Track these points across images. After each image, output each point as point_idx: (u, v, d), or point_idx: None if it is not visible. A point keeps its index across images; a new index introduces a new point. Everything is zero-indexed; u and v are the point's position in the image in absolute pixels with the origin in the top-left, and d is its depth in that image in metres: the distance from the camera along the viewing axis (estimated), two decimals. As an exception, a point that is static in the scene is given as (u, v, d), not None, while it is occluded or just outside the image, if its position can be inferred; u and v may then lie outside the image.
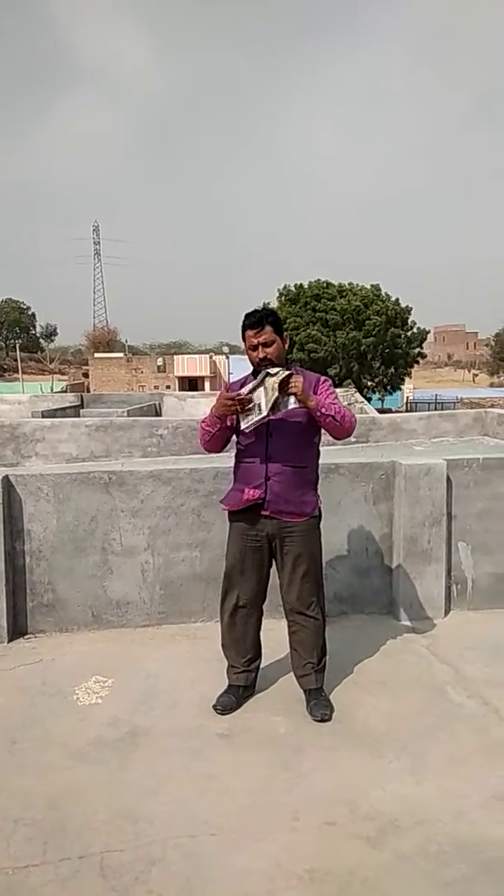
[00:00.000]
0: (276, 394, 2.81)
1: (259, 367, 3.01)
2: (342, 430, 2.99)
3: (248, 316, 3.04)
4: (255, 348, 3.00)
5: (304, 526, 3.05)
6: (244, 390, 2.91)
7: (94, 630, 3.96)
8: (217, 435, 3.08)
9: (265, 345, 2.99)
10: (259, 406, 2.86)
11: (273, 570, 3.15)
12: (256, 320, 2.99)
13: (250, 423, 2.90)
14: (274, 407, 2.84)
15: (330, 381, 3.18)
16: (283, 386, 2.81)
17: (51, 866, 2.17)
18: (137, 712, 3.09)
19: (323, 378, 3.13)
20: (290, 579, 3.08)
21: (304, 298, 30.43)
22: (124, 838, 2.29)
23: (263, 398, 2.85)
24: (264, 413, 2.84)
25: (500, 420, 9.92)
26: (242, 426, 2.95)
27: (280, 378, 2.81)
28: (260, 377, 2.89)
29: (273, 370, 2.86)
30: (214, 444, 3.12)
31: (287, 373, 2.84)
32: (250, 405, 2.88)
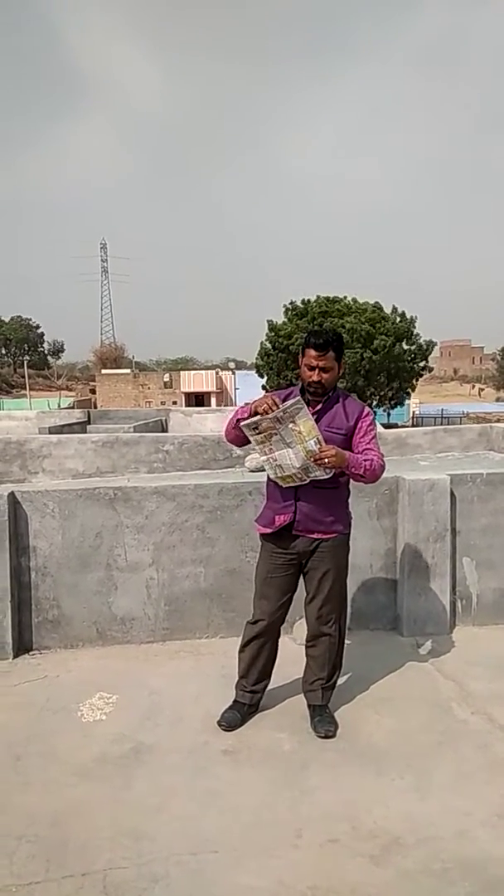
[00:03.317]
0: (309, 461, 2.79)
1: (308, 387, 2.98)
2: (366, 481, 3.00)
3: (314, 334, 2.98)
4: (312, 369, 2.96)
5: (334, 542, 3.06)
6: (275, 413, 2.80)
7: (98, 646, 3.97)
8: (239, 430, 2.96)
9: (323, 370, 2.95)
10: (289, 460, 2.81)
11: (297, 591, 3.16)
12: (323, 342, 2.93)
13: (276, 474, 2.87)
14: (306, 471, 2.83)
15: (371, 415, 3.11)
16: (318, 461, 2.79)
17: (54, 883, 2.17)
18: (141, 729, 3.09)
19: (366, 412, 3.08)
20: (316, 594, 3.09)
21: (311, 314, 30.57)
22: (127, 855, 2.29)
23: (293, 454, 2.81)
24: (295, 472, 2.83)
25: (505, 435, 9.90)
26: (270, 475, 2.92)
27: (312, 447, 2.77)
28: (293, 411, 2.79)
29: (301, 421, 2.78)
30: (237, 436, 3.01)
31: (318, 446, 2.77)
32: (274, 437, 2.82)
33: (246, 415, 2.91)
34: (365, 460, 2.93)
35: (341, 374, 3.10)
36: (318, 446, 2.79)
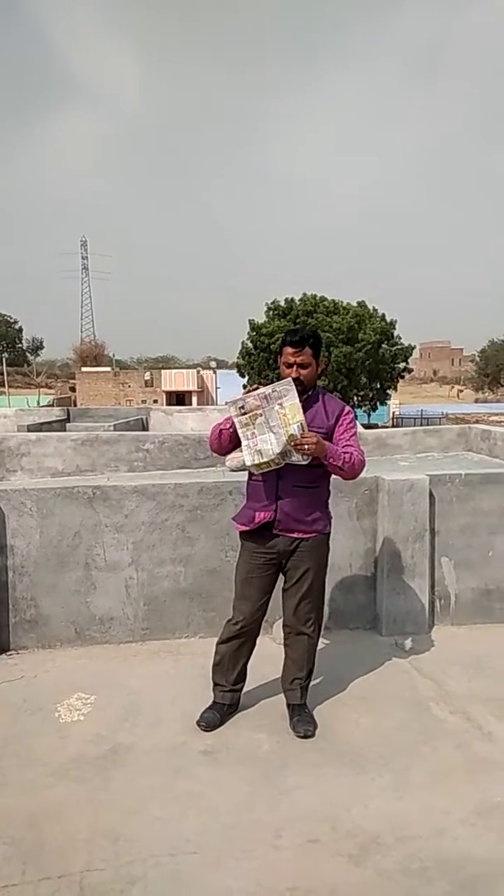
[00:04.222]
0: (289, 446, 2.79)
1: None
2: (346, 475, 2.99)
3: (290, 332, 3.02)
4: (290, 366, 2.98)
5: (314, 541, 3.06)
6: (264, 390, 2.83)
7: (77, 646, 3.94)
8: (226, 433, 2.98)
9: (301, 366, 2.97)
10: (269, 444, 2.80)
11: (275, 593, 3.15)
12: (299, 339, 2.97)
13: (254, 461, 2.84)
14: (284, 455, 2.82)
15: (352, 414, 3.14)
16: (298, 445, 2.79)
17: (30, 886, 2.14)
18: (120, 729, 3.07)
19: (346, 410, 3.10)
20: (294, 593, 3.09)
21: (295, 312, 30.60)
22: (105, 857, 2.27)
23: (275, 439, 2.80)
24: (273, 457, 2.81)
25: (483, 436, 9.99)
26: (247, 462, 2.87)
27: (294, 431, 2.77)
28: (283, 391, 2.80)
29: (288, 404, 2.79)
30: (224, 442, 3.02)
31: (300, 431, 2.78)
32: (258, 420, 2.82)
33: (227, 425, 2.94)
34: (344, 453, 2.93)
35: (321, 373, 3.10)
36: (301, 431, 2.79)
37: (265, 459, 2.83)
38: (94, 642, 3.97)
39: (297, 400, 2.81)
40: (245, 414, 2.84)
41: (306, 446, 2.79)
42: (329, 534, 3.14)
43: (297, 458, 2.84)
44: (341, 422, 3.04)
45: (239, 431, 2.88)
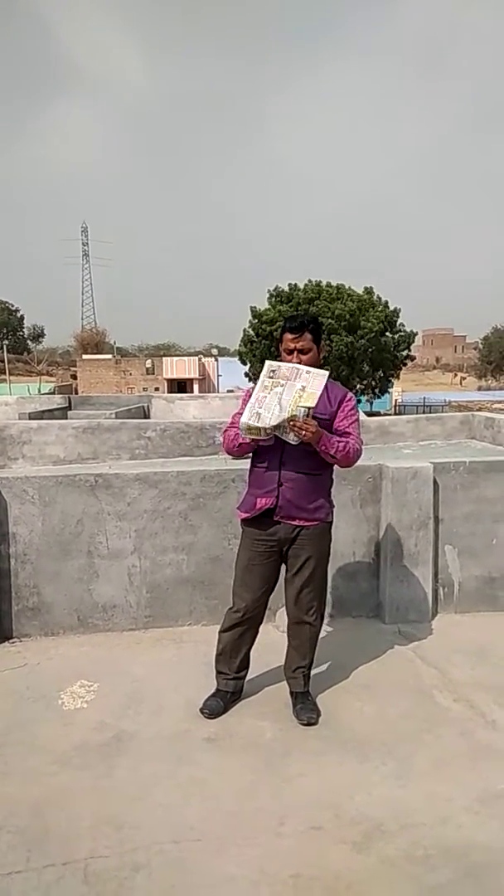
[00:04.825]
0: (286, 417, 2.76)
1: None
2: (339, 464, 3.00)
3: (289, 319, 3.03)
4: (290, 352, 2.99)
5: (316, 530, 3.04)
6: (302, 368, 2.84)
7: (79, 634, 3.94)
8: (246, 445, 2.99)
9: (301, 351, 2.97)
10: (270, 413, 2.77)
11: (279, 581, 3.14)
12: (297, 325, 2.98)
13: (249, 421, 2.80)
14: (278, 429, 2.81)
15: (354, 400, 3.12)
16: (296, 427, 2.77)
17: (34, 873, 2.15)
18: (123, 717, 3.07)
19: (349, 396, 3.09)
20: (295, 581, 3.07)
21: (297, 299, 30.44)
22: (109, 844, 2.27)
23: (278, 412, 2.77)
24: (266, 426, 2.78)
25: (487, 423, 9.96)
26: (243, 418, 2.83)
27: (299, 413, 2.76)
28: (313, 377, 2.80)
29: (310, 390, 2.78)
30: (242, 451, 3.04)
31: (305, 411, 2.77)
32: (276, 388, 2.81)
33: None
34: (339, 442, 2.92)
35: (323, 358, 3.09)
36: (305, 416, 2.78)
37: (259, 425, 2.80)
38: (96, 630, 3.97)
39: (320, 392, 2.80)
40: (272, 378, 2.85)
41: (303, 431, 2.78)
42: (331, 522, 3.13)
43: (290, 437, 2.83)
44: (343, 408, 3.03)
45: (255, 389, 2.88)
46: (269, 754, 2.80)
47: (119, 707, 3.15)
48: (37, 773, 2.66)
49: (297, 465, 2.95)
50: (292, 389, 2.80)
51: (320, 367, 3.02)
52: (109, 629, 3.98)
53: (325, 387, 3.02)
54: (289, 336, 2.98)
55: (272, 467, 2.98)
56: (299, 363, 2.93)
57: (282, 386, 2.82)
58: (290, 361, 2.95)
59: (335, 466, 3.11)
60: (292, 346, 2.98)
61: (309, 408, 2.78)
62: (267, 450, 2.98)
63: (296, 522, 3.00)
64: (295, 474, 2.96)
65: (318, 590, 3.12)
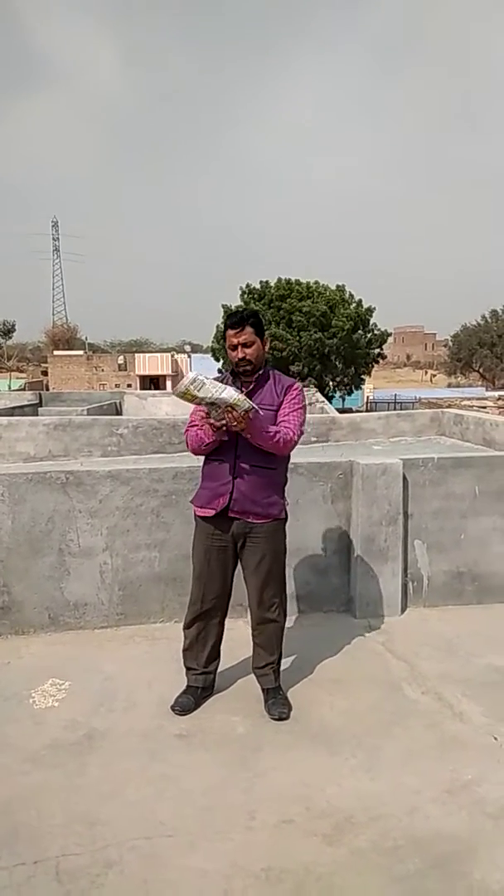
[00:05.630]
0: (230, 402, 2.77)
1: (238, 367, 3.04)
2: (275, 453, 3.00)
3: (230, 315, 3.09)
4: (234, 348, 3.03)
5: (269, 527, 3.06)
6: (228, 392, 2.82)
7: (51, 632, 3.92)
8: (212, 444, 3.00)
9: (245, 345, 3.01)
10: (216, 387, 2.78)
11: (237, 571, 3.16)
12: (238, 320, 3.03)
13: (194, 382, 2.78)
14: (214, 405, 2.80)
15: (299, 390, 3.14)
16: (231, 415, 2.79)
17: (5, 872, 2.14)
18: (95, 714, 3.06)
19: (295, 386, 3.13)
20: (254, 579, 3.09)
21: (269, 297, 30.46)
22: (80, 842, 2.27)
23: (224, 391, 2.78)
24: (210, 396, 2.76)
25: (455, 420, 10.09)
26: (188, 376, 2.81)
27: (244, 406, 2.77)
28: (228, 391, 2.80)
29: (236, 399, 2.77)
30: (209, 450, 3.05)
31: (246, 408, 2.78)
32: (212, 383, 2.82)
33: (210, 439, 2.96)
34: (268, 433, 2.92)
35: (268, 351, 3.15)
36: (244, 412, 2.77)
37: (199, 394, 2.76)
38: (68, 628, 3.95)
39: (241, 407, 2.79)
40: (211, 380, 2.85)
41: (234, 421, 2.79)
42: (285, 519, 3.15)
43: (216, 416, 2.83)
44: (287, 397, 3.08)
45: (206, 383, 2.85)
46: (240, 749, 2.82)
47: (91, 705, 3.14)
48: (8, 773, 2.65)
49: (251, 458, 2.98)
50: (232, 391, 2.81)
51: (266, 359, 3.10)
52: (81, 627, 3.96)
53: (273, 379, 3.10)
54: (231, 332, 3.04)
55: (227, 459, 3.01)
56: (244, 357, 3.00)
57: (224, 385, 2.83)
58: (235, 357, 3.02)
59: (288, 464, 3.17)
60: (235, 341, 3.02)
61: (251, 409, 2.80)
62: (222, 443, 3.00)
63: (249, 519, 3.02)
64: (250, 467, 2.99)
65: (277, 587, 3.13)
